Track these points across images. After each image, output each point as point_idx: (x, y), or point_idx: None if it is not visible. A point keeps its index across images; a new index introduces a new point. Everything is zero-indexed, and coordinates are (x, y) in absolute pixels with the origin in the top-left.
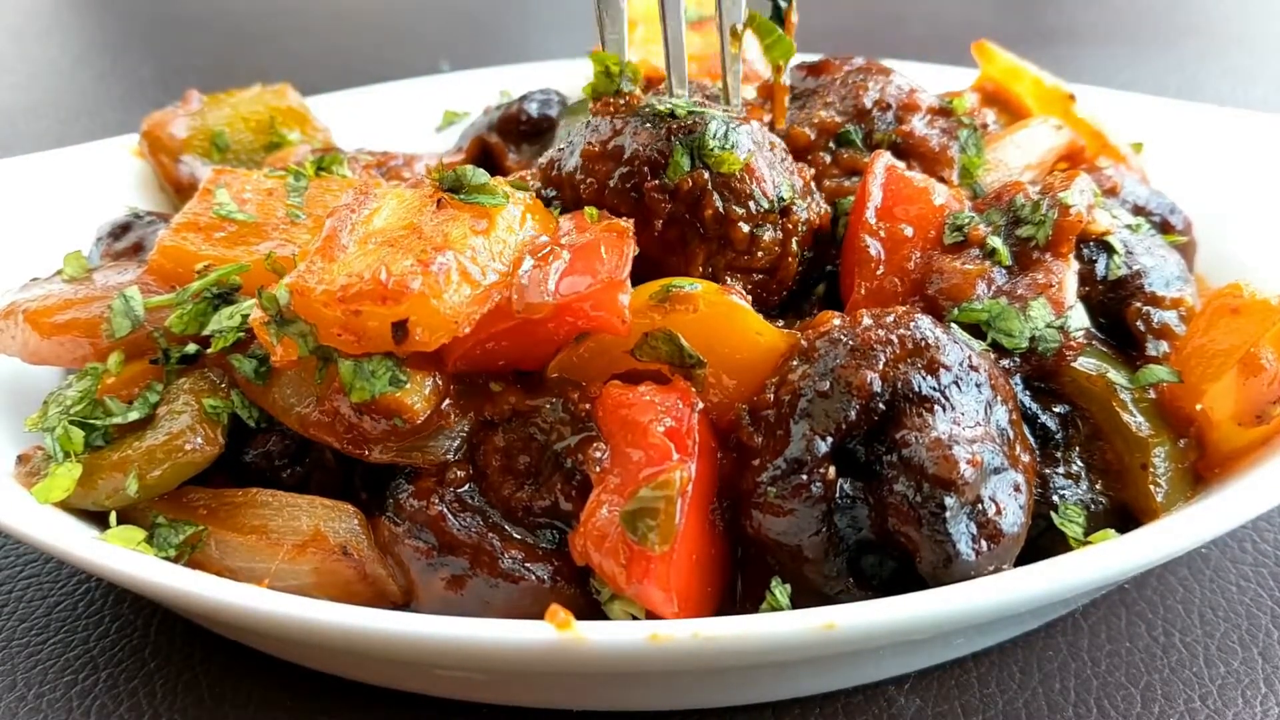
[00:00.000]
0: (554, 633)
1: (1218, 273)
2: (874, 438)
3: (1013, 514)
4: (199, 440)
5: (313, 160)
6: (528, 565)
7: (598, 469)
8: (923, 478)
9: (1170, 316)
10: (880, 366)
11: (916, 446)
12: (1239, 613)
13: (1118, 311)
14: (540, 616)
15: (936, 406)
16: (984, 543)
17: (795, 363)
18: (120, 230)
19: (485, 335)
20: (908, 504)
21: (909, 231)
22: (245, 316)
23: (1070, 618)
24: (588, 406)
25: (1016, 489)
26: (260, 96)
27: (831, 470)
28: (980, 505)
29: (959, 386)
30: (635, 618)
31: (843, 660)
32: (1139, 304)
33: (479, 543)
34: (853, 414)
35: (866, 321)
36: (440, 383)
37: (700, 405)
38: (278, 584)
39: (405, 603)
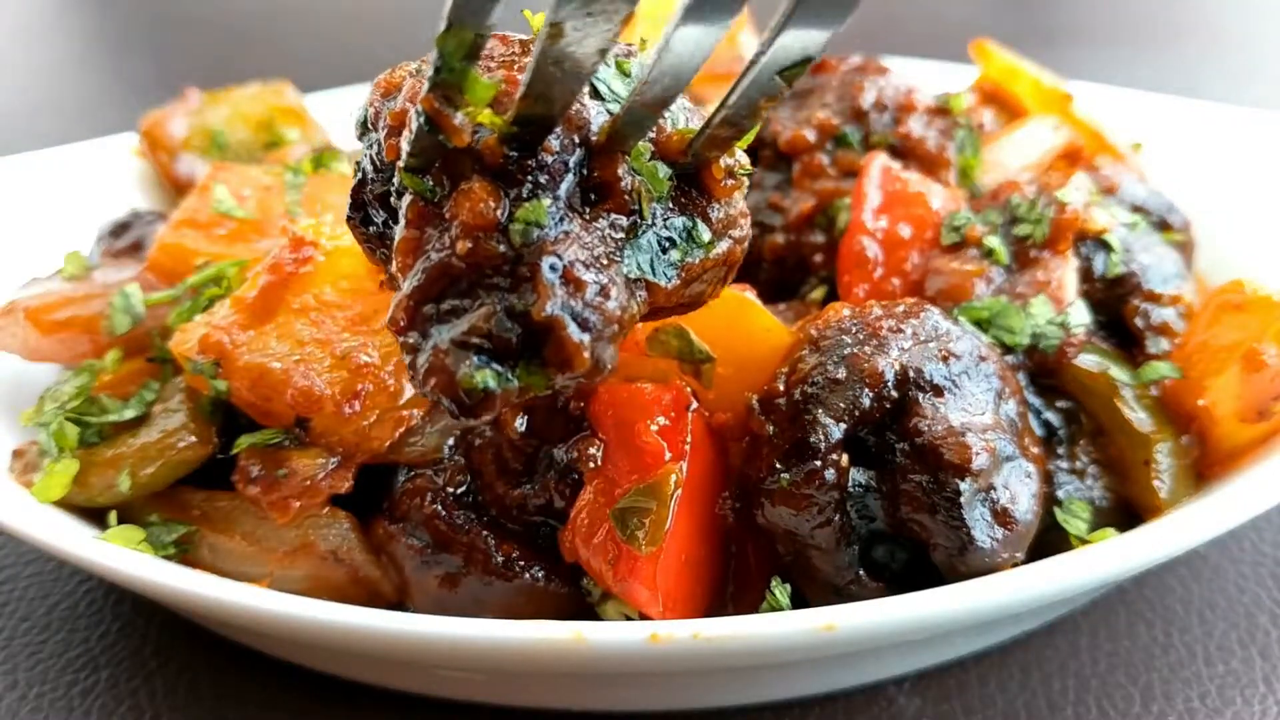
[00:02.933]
0: (554, 633)
1: (1217, 271)
2: (885, 427)
3: (1026, 502)
4: (192, 438)
5: (310, 157)
6: (521, 564)
7: (592, 466)
8: (937, 464)
9: (1169, 313)
10: (893, 355)
11: (929, 434)
12: (1238, 612)
13: (1116, 309)
14: (534, 615)
15: (948, 394)
16: (999, 529)
17: (805, 352)
18: (120, 229)
19: None
20: (921, 491)
21: (906, 232)
22: None
23: (1070, 618)
24: (583, 405)
25: (1029, 477)
26: (259, 95)
27: (845, 458)
28: (994, 492)
29: (969, 376)
30: (629, 618)
31: (843, 660)
32: (1137, 301)
33: (473, 541)
34: (866, 401)
35: (877, 311)
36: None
37: (695, 405)
38: (274, 586)
39: (399, 602)
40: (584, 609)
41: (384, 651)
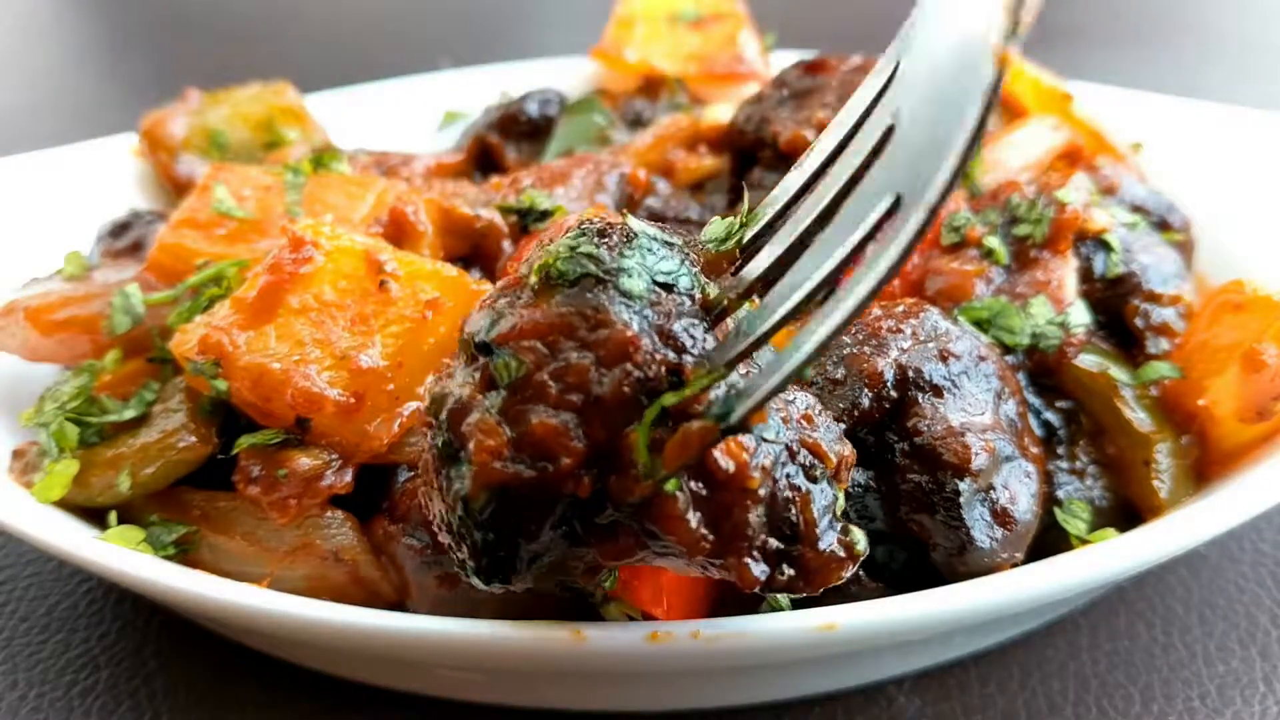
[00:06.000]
0: (554, 632)
1: (1218, 271)
2: (884, 427)
3: (1025, 502)
4: (192, 438)
5: (310, 157)
6: None
7: None
8: (936, 464)
9: (1169, 313)
10: (892, 355)
11: (929, 434)
12: (1238, 612)
13: (1116, 309)
14: (533, 615)
15: (948, 394)
16: (999, 529)
17: None
18: (120, 229)
19: None
20: (920, 491)
21: None
22: None
23: (1070, 618)
24: None
25: (1028, 477)
26: (259, 95)
27: None
28: (993, 492)
29: (969, 376)
30: (631, 618)
31: (843, 660)
32: (1138, 301)
33: None
34: (865, 402)
35: (876, 311)
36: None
37: None
38: (274, 586)
39: (399, 601)
40: (585, 609)
41: (384, 651)
